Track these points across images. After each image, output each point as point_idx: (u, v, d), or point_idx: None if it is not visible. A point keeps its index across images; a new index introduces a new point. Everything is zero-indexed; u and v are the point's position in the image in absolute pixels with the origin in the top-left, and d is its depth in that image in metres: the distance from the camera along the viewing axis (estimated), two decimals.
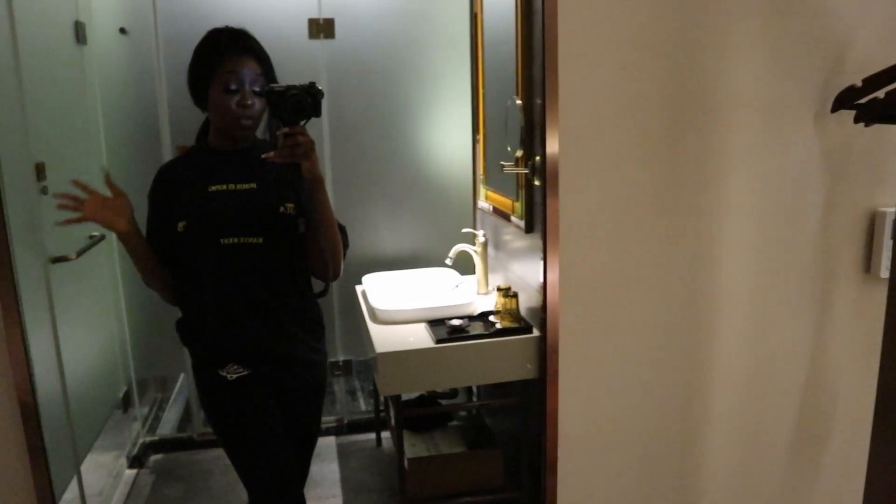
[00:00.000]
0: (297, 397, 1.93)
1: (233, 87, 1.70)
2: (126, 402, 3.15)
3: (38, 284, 2.16)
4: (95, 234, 2.75)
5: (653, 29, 1.78)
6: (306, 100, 1.59)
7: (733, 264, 1.95)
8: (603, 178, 1.81)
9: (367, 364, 3.50)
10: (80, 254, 2.50)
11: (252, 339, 1.81)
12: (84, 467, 2.49)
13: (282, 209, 1.76)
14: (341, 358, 3.34)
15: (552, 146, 1.70)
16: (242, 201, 1.76)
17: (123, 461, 3.13)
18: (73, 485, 2.31)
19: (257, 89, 1.72)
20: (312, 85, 1.61)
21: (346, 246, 1.88)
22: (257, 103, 1.73)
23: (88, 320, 2.77)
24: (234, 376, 1.81)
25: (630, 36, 1.76)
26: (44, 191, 2.31)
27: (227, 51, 1.71)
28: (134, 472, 3.12)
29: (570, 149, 1.76)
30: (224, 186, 1.76)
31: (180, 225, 1.75)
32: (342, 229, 1.87)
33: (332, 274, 1.83)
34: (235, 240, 1.74)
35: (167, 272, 1.83)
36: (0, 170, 1.39)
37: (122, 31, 3.08)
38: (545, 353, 1.90)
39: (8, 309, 1.33)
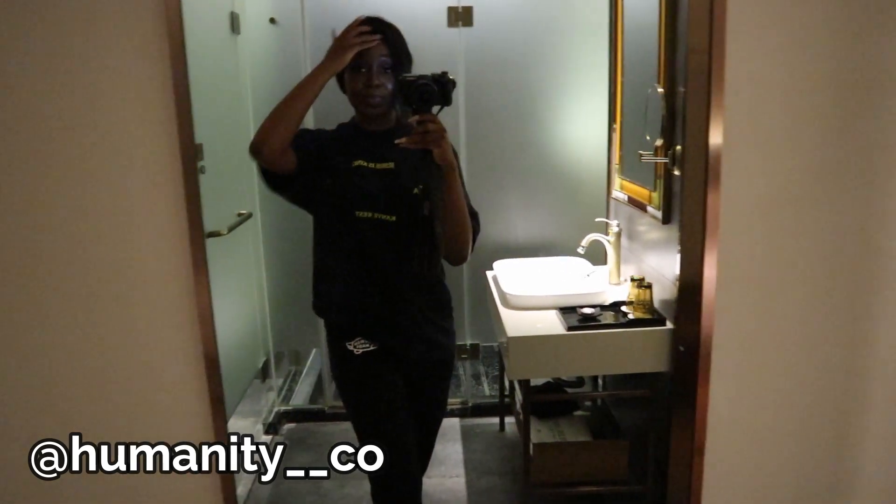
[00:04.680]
0: (424, 375, 1.98)
1: (362, 68, 1.77)
2: (264, 372, 3.34)
3: None
4: (244, 212, 2.92)
5: (826, 9, 1.67)
6: (433, 88, 1.64)
7: None
8: (764, 168, 1.72)
9: (492, 349, 3.54)
10: (230, 230, 2.67)
11: (379, 314, 1.87)
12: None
13: (416, 190, 1.82)
14: (469, 342, 3.39)
15: (715, 136, 1.65)
16: (380, 179, 1.82)
17: (260, 427, 3.32)
18: None
19: (387, 70, 1.78)
20: (444, 74, 1.66)
21: (476, 232, 1.91)
22: (387, 84, 1.79)
23: (235, 293, 2.95)
24: (361, 350, 1.88)
25: (800, 20, 1.67)
26: (201, 170, 2.47)
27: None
28: (269, 438, 3.30)
29: (727, 138, 1.70)
30: (365, 163, 1.83)
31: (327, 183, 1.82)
32: (474, 215, 1.90)
33: (458, 258, 1.86)
34: (370, 214, 1.81)
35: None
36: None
37: (272, 21, 3.24)
38: (694, 345, 1.84)
39: (199, 273, 1.46)
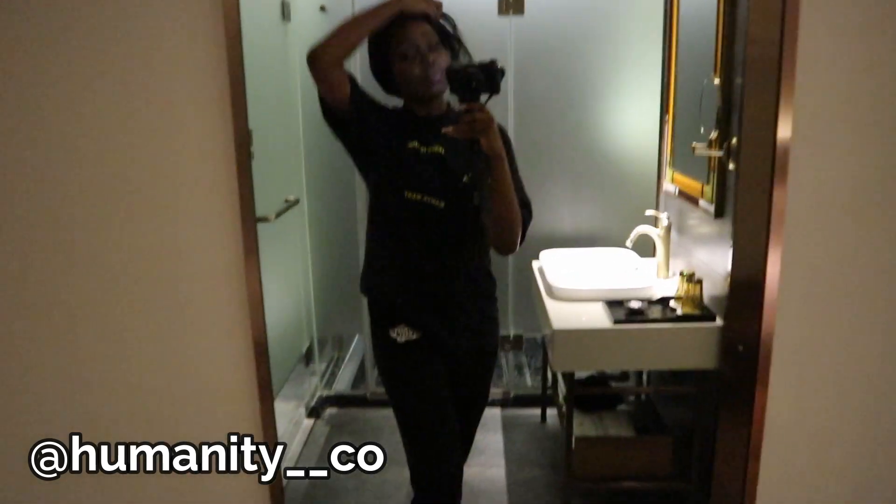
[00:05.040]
0: (467, 364, 1.96)
1: (410, 53, 1.75)
2: (308, 357, 3.37)
3: None
4: (291, 198, 2.94)
5: None
6: (480, 77, 1.59)
7: None
8: (832, 164, 1.65)
9: (535, 340, 3.52)
10: (277, 216, 2.69)
11: (424, 300, 1.86)
12: None
13: (465, 178, 1.80)
14: (512, 332, 3.38)
15: (783, 130, 1.59)
16: (431, 163, 1.80)
17: (302, 411, 3.36)
18: None
19: (434, 46, 1.76)
20: (492, 62, 1.61)
21: (528, 222, 1.87)
22: (440, 59, 1.77)
23: (280, 278, 2.97)
24: (404, 339, 1.87)
25: (874, 13, 1.57)
26: (250, 156, 2.49)
27: (393, 25, 1.76)
28: (311, 421, 3.34)
29: (794, 132, 1.64)
30: (418, 145, 1.81)
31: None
32: (526, 205, 1.87)
33: (506, 249, 1.83)
34: (419, 196, 1.79)
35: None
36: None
37: (322, 8, 3.24)
38: (754, 345, 1.78)
39: (250, 258, 1.47)
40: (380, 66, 1.84)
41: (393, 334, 1.88)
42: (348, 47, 1.72)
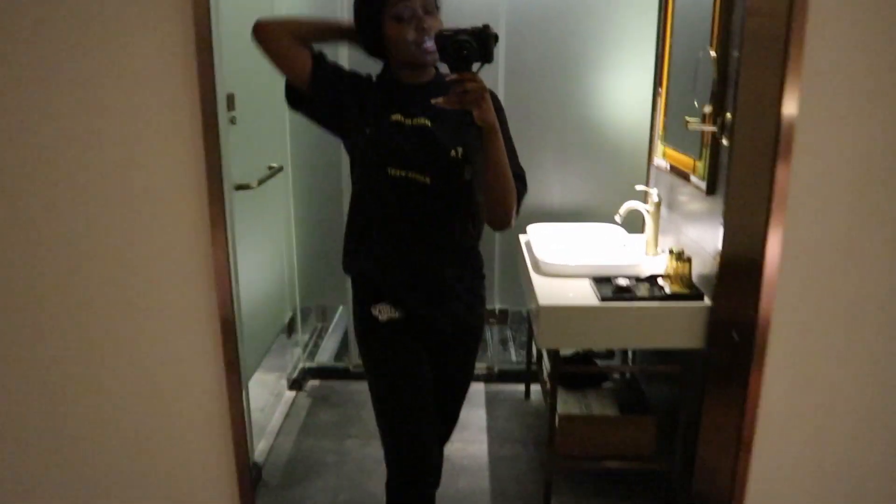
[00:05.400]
0: (451, 343, 1.91)
1: (406, 15, 1.66)
2: (290, 328, 3.32)
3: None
4: (274, 165, 2.87)
5: None
6: (471, 45, 1.51)
7: None
8: (837, 144, 1.57)
9: (520, 313, 3.48)
10: (260, 183, 2.62)
11: (408, 279, 1.80)
12: (251, 384, 2.66)
13: (453, 153, 1.72)
14: (497, 306, 3.33)
15: (789, 107, 1.52)
16: (415, 137, 1.72)
17: (284, 383, 3.32)
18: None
19: (430, 12, 1.68)
20: (485, 28, 1.53)
21: (522, 194, 1.79)
22: (435, 25, 1.68)
23: (263, 247, 2.92)
24: (385, 317, 1.80)
25: None
26: (232, 121, 2.42)
27: None
28: (293, 394, 3.31)
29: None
30: (402, 118, 1.73)
31: (367, 131, 1.74)
32: (520, 176, 1.78)
33: (502, 224, 1.75)
34: (403, 173, 1.71)
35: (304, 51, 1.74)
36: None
37: None
38: (749, 330, 1.72)
39: (216, 230, 1.38)
40: (367, 25, 1.73)
41: (374, 312, 1.81)
42: (296, 29, 1.72)
